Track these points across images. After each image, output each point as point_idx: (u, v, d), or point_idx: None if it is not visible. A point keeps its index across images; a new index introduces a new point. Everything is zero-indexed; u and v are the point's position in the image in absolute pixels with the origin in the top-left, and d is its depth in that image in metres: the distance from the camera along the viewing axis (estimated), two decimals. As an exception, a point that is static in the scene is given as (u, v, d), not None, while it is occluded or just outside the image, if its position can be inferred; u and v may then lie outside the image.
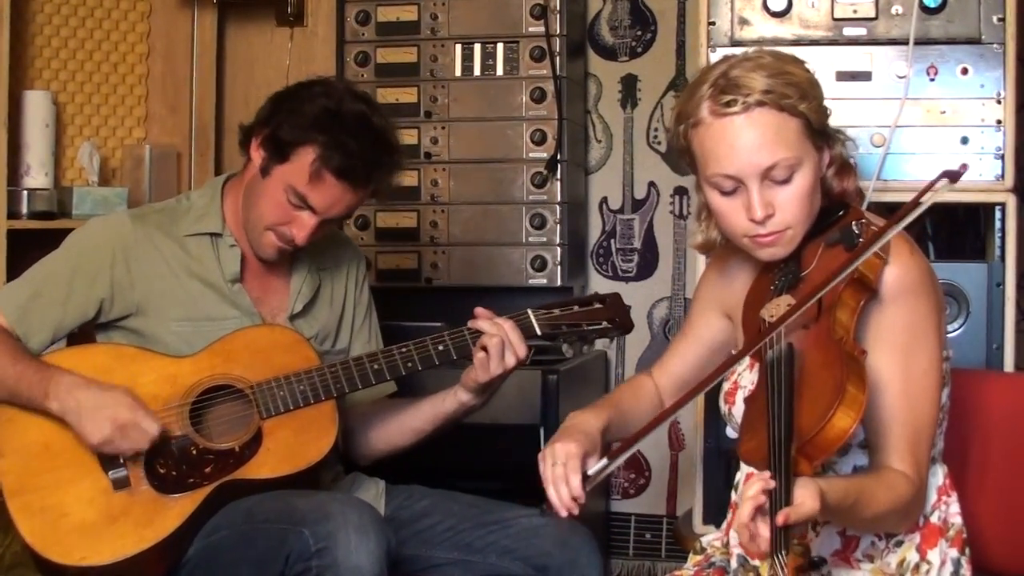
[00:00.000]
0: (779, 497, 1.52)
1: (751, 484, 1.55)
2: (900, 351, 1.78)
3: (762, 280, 1.91)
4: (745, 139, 1.78)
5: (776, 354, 1.68)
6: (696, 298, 2.15)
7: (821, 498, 1.53)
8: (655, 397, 2.13)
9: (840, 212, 1.88)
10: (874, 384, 1.71)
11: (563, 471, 1.84)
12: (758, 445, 1.62)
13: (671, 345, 2.18)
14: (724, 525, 2.05)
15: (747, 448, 1.69)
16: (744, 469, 1.98)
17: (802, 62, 1.87)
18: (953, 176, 1.71)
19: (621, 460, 1.86)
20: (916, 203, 1.71)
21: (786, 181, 1.80)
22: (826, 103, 1.87)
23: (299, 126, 2.27)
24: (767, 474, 1.55)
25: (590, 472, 1.85)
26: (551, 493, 1.85)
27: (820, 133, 1.85)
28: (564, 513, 1.84)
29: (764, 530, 1.53)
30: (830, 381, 1.63)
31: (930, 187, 1.71)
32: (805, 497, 1.52)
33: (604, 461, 1.85)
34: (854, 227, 1.80)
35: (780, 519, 1.49)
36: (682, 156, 1.91)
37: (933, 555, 1.83)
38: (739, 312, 1.94)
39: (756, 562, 1.90)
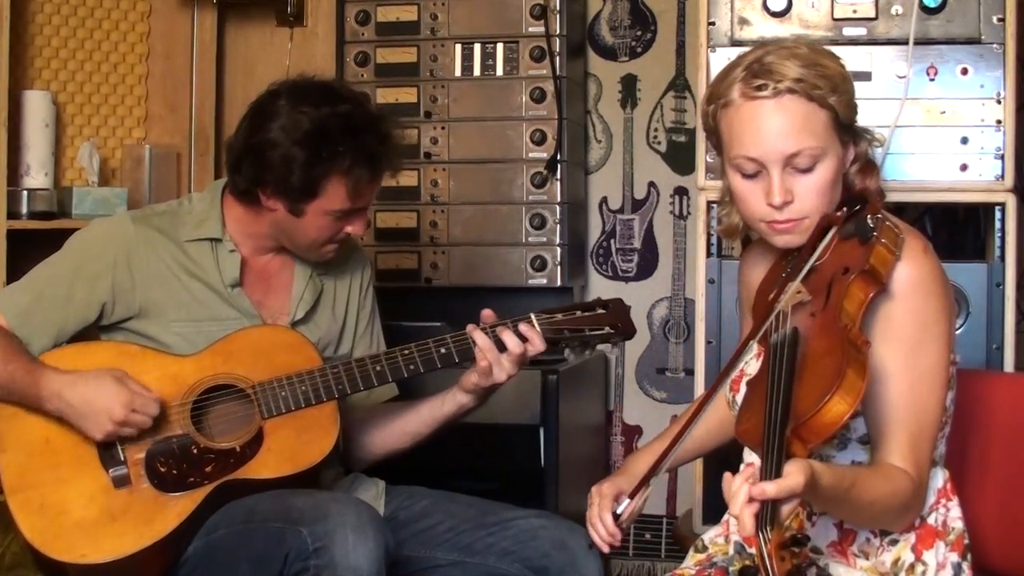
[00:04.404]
0: (768, 475, 1.52)
1: (742, 474, 1.53)
2: (907, 346, 1.78)
3: (775, 268, 1.93)
4: (772, 124, 1.80)
5: (780, 337, 1.69)
6: (740, 305, 2.15)
7: (811, 477, 1.52)
8: (726, 410, 2.11)
9: (857, 207, 1.89)
10: (879, 377, 1.72)
11: (596, 511, 1.99)
12: (755, 425, 1.62)
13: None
14: (724, 518, 2.05)
15: (743, 428, 1.70)
16: (746, 463, 1.99)
17: (837, 57, 1.88)
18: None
19: (641, 495, 1.98)
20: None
21: (808, 170, 1.81)
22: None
23: (308, 165, 2.25)
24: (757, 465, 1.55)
25: (618, 511, 1.99)
26: (591, 532, 2.01)
27: (847, 128, 1.86)
28: (606, 549, 2.00)
29: (748, 513, 1.52)
30: (831, 366, 1.64)
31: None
32: (791, 471, 1.51)
33: (626, 501, 1.99)
34: (869, 221, 1.81)
35: (756, 491, 1.48)
36: (709, 137, 1.93)
37: (929, 556, 1.83)
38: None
39: (752, 550, 1.91)
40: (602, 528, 1.98)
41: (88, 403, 2.17)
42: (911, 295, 1.79)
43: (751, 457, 1.96)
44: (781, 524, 1.49)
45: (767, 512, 1.49)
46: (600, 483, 2.04)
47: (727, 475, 1.54)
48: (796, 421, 1.60)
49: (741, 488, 1.50)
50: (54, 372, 2.20)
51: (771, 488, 1.49)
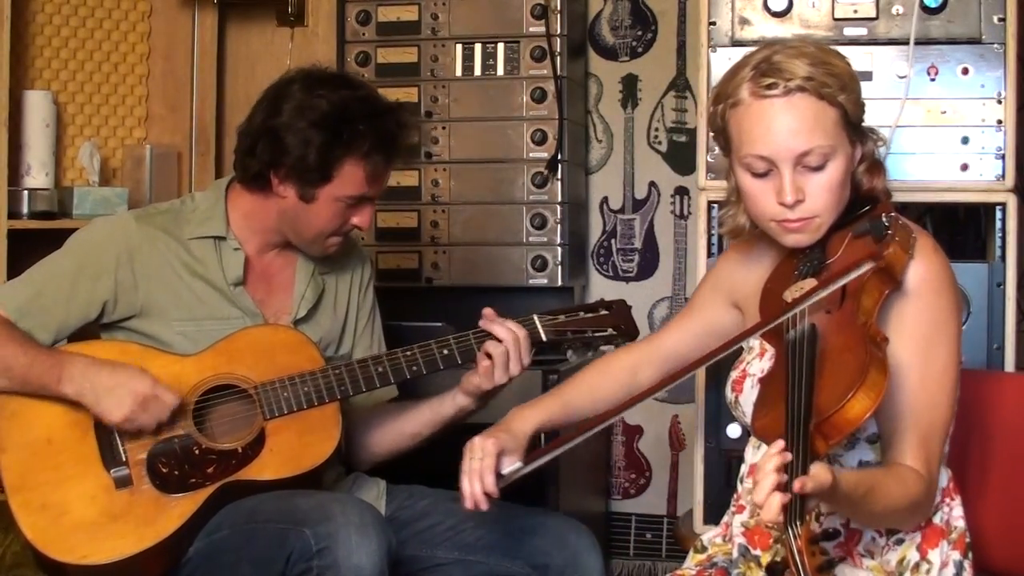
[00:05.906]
0: (795, 470, 1.51)
1: (767, 460, 1.52)
2: (920, 345, 1.79)
3: (785, 265, 1.92)
4: (783, 122, 1.80)
5: (798, 333, 1.69)
6: (709, 279, 2.15)
7: (834, 478, 1.52)
8: (622, 381, 2.13)
9: (868, 207, 1.89)
10: (893, 374, 1.71)
11: (479, 466, 1.94)
12: (774, 421, 1.62)
13: (670, 321, 2.19)
14: (724, 519, 2.04)
15: (762, 424, 1.69)
16: (747, 463, 1.99)
17: (843, 56, 1.88)
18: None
19: (535, 466, 1.94)
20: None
21: (819, 168, 1.82)
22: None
23: (327, 146, 2.26)
24: (781, 443, 1.54)
25: (503, 472, 1.95)
26: (464, 484, 1.95)
27: (855, 127, 1.87)
28: (470, 505, 1.94)
29: (776, 502, 1.51)
30: (852, 363, 1.64)
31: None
32: (820, 468, 1.51)
33: (518, 464, 1.94)
34: (884, 219, 1.82)
35: (797, 485, 1.47)
36: (716, 137, 1.93)
37: (934, 555, 1.83)
38: (751, 301, 1.95)
39: (757, 551, 1.91)
40: (479, 486, 1.93)
41: (113, 381, 2.17)
42: (924, 293, 1.80)
43: (753, 457, 1.96)
44: (810, 518, 1.48)
45: (796, 507, 1.48)
46: (484, 436, 1.98)
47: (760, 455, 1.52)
48: (818, 417, 1.60)
49: (769, 475, 1.50)
50: (78, 354, 2.21)
51: (808, 483, 1.48)
